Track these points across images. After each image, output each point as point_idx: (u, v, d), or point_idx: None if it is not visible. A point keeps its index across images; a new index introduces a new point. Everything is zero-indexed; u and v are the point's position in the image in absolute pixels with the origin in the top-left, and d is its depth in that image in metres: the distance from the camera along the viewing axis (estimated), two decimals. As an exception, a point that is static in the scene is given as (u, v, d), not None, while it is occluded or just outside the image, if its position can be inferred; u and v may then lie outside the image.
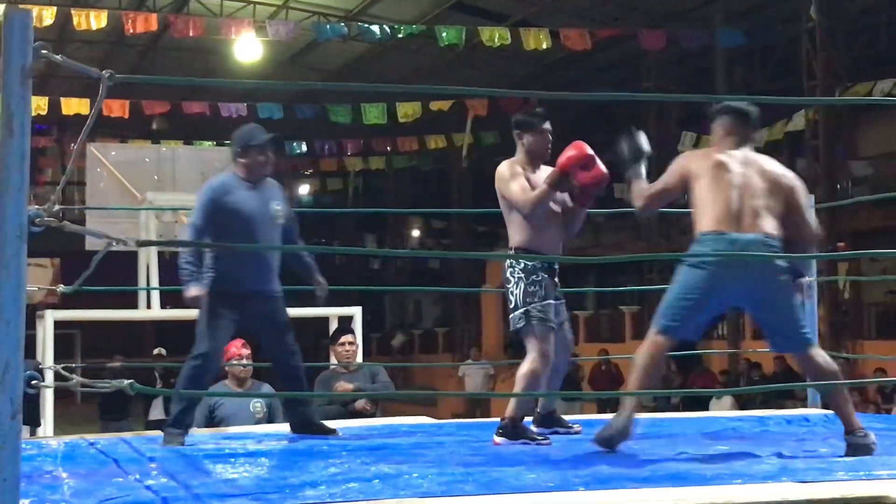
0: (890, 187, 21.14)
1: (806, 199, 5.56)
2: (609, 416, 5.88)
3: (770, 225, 5.24)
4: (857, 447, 5.03)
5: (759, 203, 5.28)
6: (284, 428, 6.78)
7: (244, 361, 8.20)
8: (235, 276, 6.19)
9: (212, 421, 7.87)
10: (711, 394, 15.59)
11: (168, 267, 11.61)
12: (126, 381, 3.70)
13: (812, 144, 20.47)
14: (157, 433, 6.35)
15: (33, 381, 3.33)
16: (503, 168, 6.36)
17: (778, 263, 5.16)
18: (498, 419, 5.86)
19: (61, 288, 6.48)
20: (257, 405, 8.07)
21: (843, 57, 20.98)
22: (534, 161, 6.45)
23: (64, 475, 4.60)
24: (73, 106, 23.96)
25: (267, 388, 8.64)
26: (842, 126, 21.07)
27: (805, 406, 8.16)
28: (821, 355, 5.26)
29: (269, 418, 8.05)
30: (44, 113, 23.92)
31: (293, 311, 15.71)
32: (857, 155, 23.09)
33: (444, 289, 27.26)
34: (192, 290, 6.06)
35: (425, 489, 4.00)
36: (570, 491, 3.93)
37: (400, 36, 22.30)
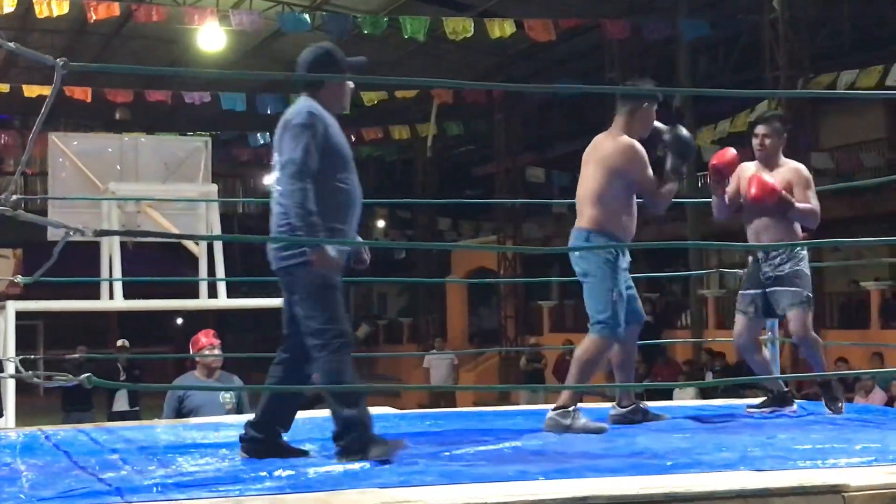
0: (850, 178, 21.33)
1: (630, 163, 6.00)
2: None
3: (585, 218, 6.02)
4: (554, 422, 5.67)
5: (583, 195, 6.10)
6: (249, 418, 6.77)
7: (216, 352, 8.20)
8: (342, 237, 4.96)
9: (181, 412, 7.86)
10: (673, 386, 15.66)
11: (131, 258, 11.57)
12: (84, 375, 3.68)
13: (775, 135, 20.49)
14: (119, 424, 6.33)
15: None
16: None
17: (582, 255, 5.98)
18: (463, 408, 5.89)
19: (20, 279, 6.44)
20: (226, 396, 8.08)
21: (806, 48, 21.07)
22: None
23: (22, 467, 4.58)
24: (36, 90, 23.80)
25: (237, 379, 8.63)
26: (804, 117, 21.16)
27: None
28: (585, 342, 5.90)
29: (238, 409, 8.04)
30: (6, 91, 23.79)
31: (258, 302, 15.65)
32: (818, 146, 23.23)
33: (408, 279, 27.30)
34: (331, 250, 4.83)
35: (385, 480, 4.01)
36: (530, 481, 3.95)
37: (365, 32, 22.22)
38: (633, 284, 6.21)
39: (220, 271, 11.01)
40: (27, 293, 14.31)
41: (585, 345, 5.90)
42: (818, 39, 22.43)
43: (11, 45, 3.36)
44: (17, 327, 9.27)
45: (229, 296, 11.53)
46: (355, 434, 4.63)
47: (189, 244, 11.89)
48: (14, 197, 3.87)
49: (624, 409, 6.23)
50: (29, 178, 31.96)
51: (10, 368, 7.79)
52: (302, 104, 4.90)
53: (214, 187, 12.08)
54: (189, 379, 8.37)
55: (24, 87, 24.01)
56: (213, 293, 11.00)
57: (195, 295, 11.10)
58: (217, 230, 11.43)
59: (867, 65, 20.07)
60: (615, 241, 5.95)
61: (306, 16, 22.73)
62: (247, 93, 25.88)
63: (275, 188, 4.91)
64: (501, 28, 21.75)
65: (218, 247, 11.03)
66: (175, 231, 11.00)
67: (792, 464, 4.32)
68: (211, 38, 22.92)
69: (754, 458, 4.49)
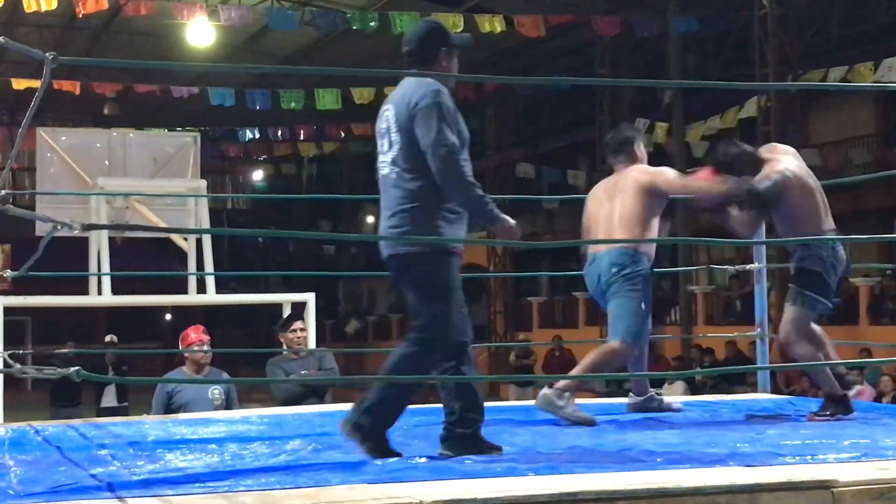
0: (838, 174, 21.39)
1: (656, 175, 6.34)
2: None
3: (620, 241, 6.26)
4: (548, 400, 5.89)
5: (615, 223, 6.29)
6: (238, 414, 6.77)
7: (205, 348, 8.20)
8: (461, 220, 4.75)
9: (170, 407, 7.86)
10: (664, 377, 15.68)
11: (119, 253, 11.54)
12: (72, 369, 3.67)
13: (764, 131, 20.60)
14: (108, 420, 6.30)
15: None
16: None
17: (602, 274, 6.23)
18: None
19: (8, 273, 6.41)
20: (215, 392, 8.07)
21: (795, 44, 21.11)
22: None
23: (10, 463, 4.56)
24: (24, 83, 23.77)
25: (226, 375, 8.63)
26: (793, 113, 21.21)
27: (755, 391, 8.23)
28: (601, 348, 6.19)
29: (227, 405, 8.05)
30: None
31: (247, 298, 15.56)
32: (807, 142, 23.28)
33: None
34: (510, 219, 4.71)
35: (374, 475, 4.00)
36: (519, 477, 3.94)
37: (354, 28, 22.21)
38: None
39: (209, 267, 11.01)
40: (15, 288, 14.23)
41: (605, 349, 6.18)
42: (807, 36, 22.47)
43: (0, 39, 3.34)
44: (6, 323, 9.26)
45: (218, 291, 11.52)
46: (374, 432, 4.53)
47: (178, 240, 11.87)
48: (2, 192, 3.86)
49: (640, 399, 6.50)
50: (17, 173, 31.86)
51: (-2, 363, 7.78)
52: (425, 81, 4.71)
53: (203, 183, 12.06)
54: (178, 375, 8.37)
55: (13, 80, 23.94)
56: (201, 289, 10.99)
57: (184, 291, 11.09)
58: (206, 225, 11.42)
59: (856, 61, 20.11)
60: (647, 262, 6.24)
61: (295, 13, 22.73)
62: (235, 88, 25.84)
63: (390, 169, 4.76)
64: (491, 24, 21.77)
65: (207, 242, 11.03)
66: (164, 226, 10.98)
67: (781, 459, 4.32)
68: (200, 33, 22.89)
69: (743, 454, 4.50)
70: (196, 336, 8.20)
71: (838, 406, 6.06)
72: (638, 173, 6.36)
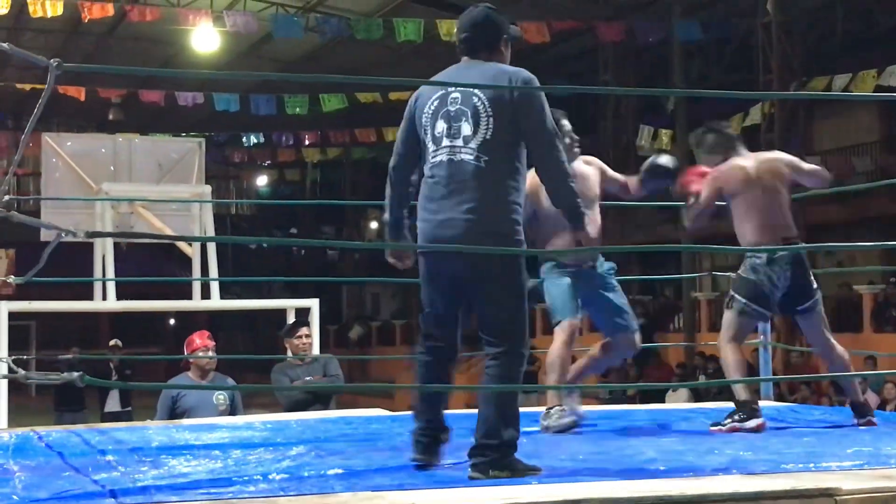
0: (842, 182, 21.40)
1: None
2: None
3: None
4: (540, 424, 5.90)
5: None
6: (242, 420, 6.77)
7: (210, 354, 8.21)
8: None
9: (174, 413, 7.87)
10: (666, 387, 15.66)
11: (124, 258, 11.56)
12: (76, 374, 3.68)
13: (768, 138, 20.59)
14: (112, 425, 6.30)
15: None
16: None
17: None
18: (455, 411, 5.83)
19: (13, 279, 6.42)
20: (220, 397, 8.08)
21: (799, 51, 21.11)
22: None
23: (15, 468, 4.56)
24: (29, 84, 23.81)
25: (230, 381, 8.65)
26: (797, 120, 21.21)
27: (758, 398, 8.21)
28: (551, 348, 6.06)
29: (231, 411, 8.05)
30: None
31: (251, 303, 15.55)
32: (811, 149, 23.26)
33: (402, 280, 27.10)
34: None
35: (378, 483, 4.00)
36: (523, 485, 3.94)
37: (358, 37, 22.24)
38: (611, 298, 6.20)
39: (214, 272, 11.02)
40: (20, 293, 14.27)
41: (552, 344, 6.09)
42: (811, 43, 22.47)
43: (5, 45, 3.35)
44: (10, 328, 9.27)
45: (222, 297, 11.53)
46: (505, 453, 4.22)
47: (182, 245, 11.89)
48: (7, 197, 3.87)
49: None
50: (21, 178, 31.91)
51: (3, 368, 7.78)
52: (517, 69, 4.51)
53: (208, 188, 12.09)
54: (183, 380, 8.38)
55: (17, 84, 23.99)
56: (205, 294, 11.00)
57: (188, 296, 11.10)
58: (210, 231, 11.42)
59: (860, 68, 20.12)
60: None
61: (299, 19, 22.76)
62: (240, 94, 25.86)
63: (474, 155, 4.34)
64: (495, 30, 21.77)
65: (211, 248, 11.04)
66: (168, 232, 11.00)
67: (784, 467, 4.32)
68: (205, 39, 22.93)
69: (746, 462, 4.49)
70: (201, 342, 8.21)
71: (859, 413, 6.12)
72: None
